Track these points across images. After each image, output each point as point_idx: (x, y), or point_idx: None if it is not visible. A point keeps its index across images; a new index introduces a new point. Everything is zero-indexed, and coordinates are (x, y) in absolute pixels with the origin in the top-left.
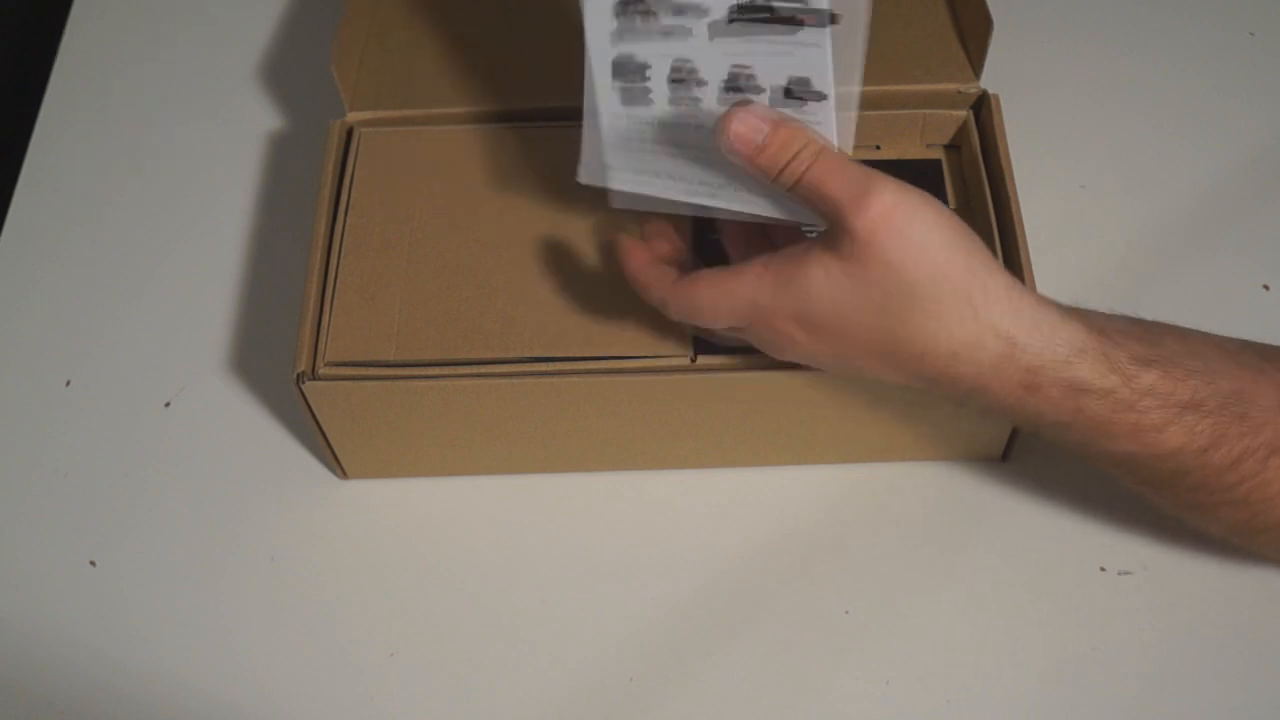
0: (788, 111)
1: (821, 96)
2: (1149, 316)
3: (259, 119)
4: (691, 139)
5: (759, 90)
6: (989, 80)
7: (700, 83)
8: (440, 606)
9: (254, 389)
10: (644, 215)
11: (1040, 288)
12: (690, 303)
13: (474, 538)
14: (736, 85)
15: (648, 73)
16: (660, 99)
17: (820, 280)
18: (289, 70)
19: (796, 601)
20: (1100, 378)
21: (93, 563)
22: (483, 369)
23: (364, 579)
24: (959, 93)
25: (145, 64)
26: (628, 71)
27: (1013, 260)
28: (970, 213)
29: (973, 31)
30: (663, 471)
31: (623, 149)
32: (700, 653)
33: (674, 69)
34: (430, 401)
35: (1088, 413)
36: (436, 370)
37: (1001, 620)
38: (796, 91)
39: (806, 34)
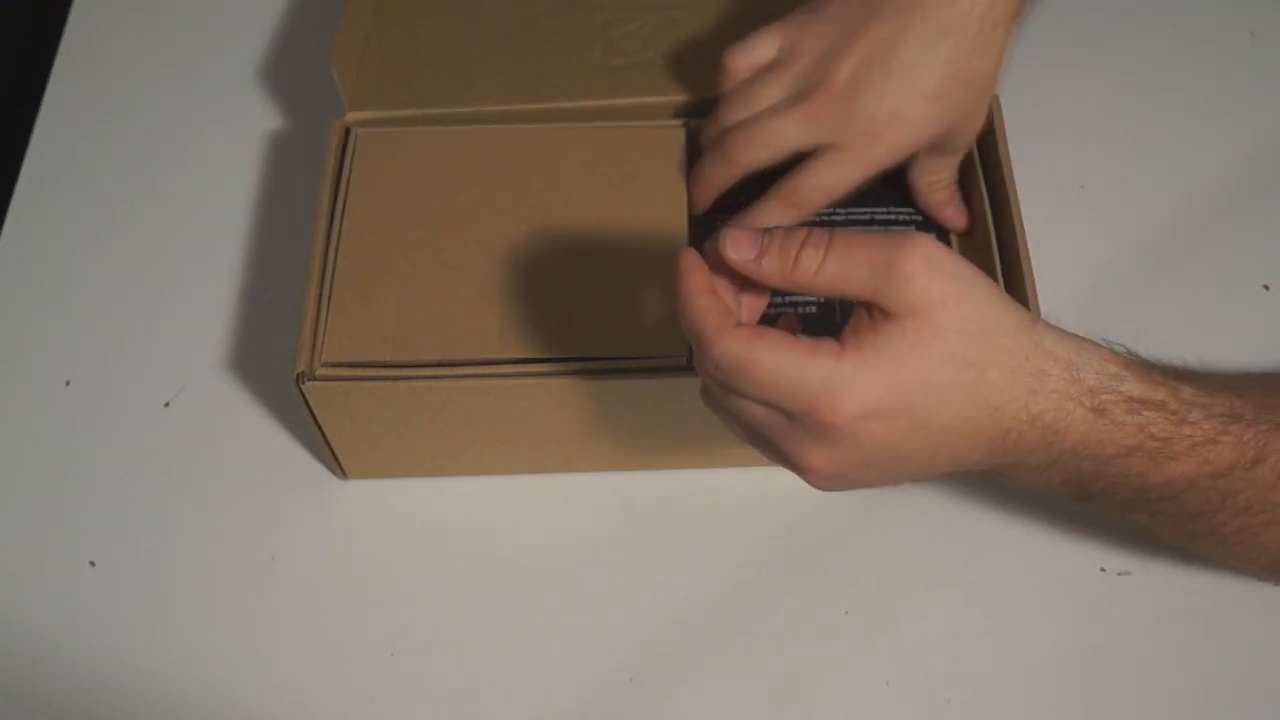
0: None
1: None
2: (1150, 317)
3: (259, 119)
4: None
5: None
6: None
7: None
8: (440, 606)
9: (254, 389)
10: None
11: (1041, 288)
12: (742, 357)
13: (474, 538)
14: None
15: None
16: None
17: (899, 343)
18: (289, 70)
19: (796, 601)
20: (1150, 390)
21: (93, 563)
22: (482, 369)
23: (364, 579)
24: None
25: (145, 64)
26: None
27: (1012, 261)
28: (969, 214)
29: None
30: (663, 471)
31: None
32: (700, 653)
33: None
34: (430, 401)
35: (1151, 429)
36: (436, 370)
37: (1001, 620)
38: None
39: None
